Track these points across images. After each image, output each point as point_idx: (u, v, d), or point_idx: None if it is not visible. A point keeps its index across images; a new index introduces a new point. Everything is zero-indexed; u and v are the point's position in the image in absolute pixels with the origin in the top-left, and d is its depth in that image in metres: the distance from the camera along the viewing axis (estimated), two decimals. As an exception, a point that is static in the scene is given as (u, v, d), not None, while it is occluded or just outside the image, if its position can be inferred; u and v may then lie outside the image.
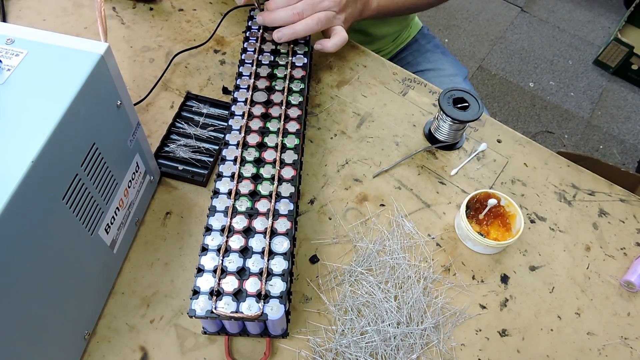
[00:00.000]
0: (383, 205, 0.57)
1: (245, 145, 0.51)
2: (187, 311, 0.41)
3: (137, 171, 0.50)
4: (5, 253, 0.31)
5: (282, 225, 0.46)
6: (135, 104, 0.61)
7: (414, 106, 0.67)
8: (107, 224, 0.45)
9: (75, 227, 0.39)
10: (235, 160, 0.50)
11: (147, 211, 0.55)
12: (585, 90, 1.94)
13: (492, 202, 0.54)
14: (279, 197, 0.48)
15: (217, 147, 0.58)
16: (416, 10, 0.77)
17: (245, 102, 0.55)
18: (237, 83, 0.56)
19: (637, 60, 1.88)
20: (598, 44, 2.09)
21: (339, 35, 0.61)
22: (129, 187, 0.48)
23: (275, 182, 0.48)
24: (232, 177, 0.49)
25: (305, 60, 0.59)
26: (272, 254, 0.44)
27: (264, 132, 0.52)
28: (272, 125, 0.53)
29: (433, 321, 0.49)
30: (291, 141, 0.51)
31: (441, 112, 0.58)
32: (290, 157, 0.50)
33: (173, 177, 0.57)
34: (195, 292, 0.42)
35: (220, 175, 0.49)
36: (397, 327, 0.48)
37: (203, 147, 0.58)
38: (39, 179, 0.33)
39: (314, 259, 0.53)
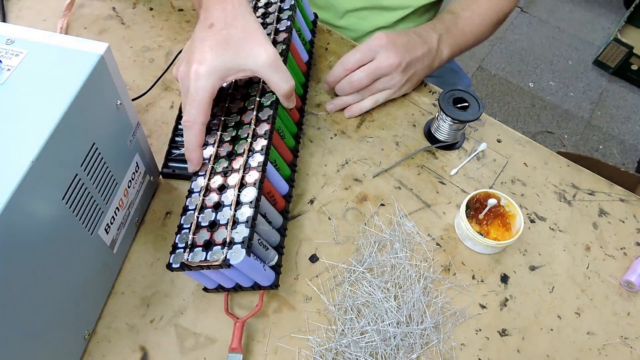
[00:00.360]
0: (383, 205, 0.57)
1: (228, 112, 0.52)
2: (165, 265, 0.43)
3: (137, 171, 0.50)
4: (5, 253, 0.31)
5: (252, 177, 0.47)
6: (133, 100, 0.61)
7: (414, 106, 0.67)
8: (107, 224, 0.45)
9: (75, 227, 0.39)
10: (218, 128, 0.51)
11: (147, 211, 0.55)
12: (585, 90, 1.94)
13: (492, 202, 0.54)
14: (252, 152, 0.48)
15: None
16: (483, 40, 0.75)
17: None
18: None
19: (637, 60, 1.88)
20: (598, 44, 2.09)
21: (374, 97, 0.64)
22: (128, 187, 0.48)
23: (249, 139, 0.49)
24: (213, 143, 0.50)
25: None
26: (239, 204, 0.45)
27: (245, 99, 0.53)
28: (252, 90, 0.53)
29: (433, 321, 0.49)
30: (268, 99, 0.52)
31: (441, 112, 0.58)
32: (265, 113, 0.51)
33: (186, 179, 0.57)
34: (174, 248, 0.44)
35: (206, 144, 0.50)
36: (397, 327, 0.48)
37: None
38: (39, 179, 0.33)
39: (313, 259, 0.53)
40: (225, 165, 0.48)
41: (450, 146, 0.63)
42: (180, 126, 0.59)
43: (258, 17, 0.59)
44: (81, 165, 0.38)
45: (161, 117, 0.62)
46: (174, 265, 0.43)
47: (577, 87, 1.94)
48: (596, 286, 0.54)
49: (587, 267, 0.55)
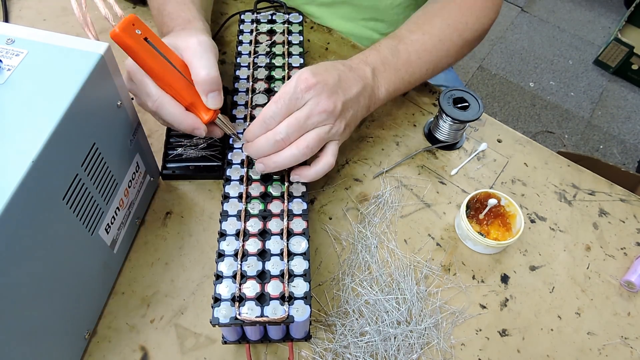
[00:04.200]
0: (383, 205, 0.57)
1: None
2: (210, 320, 0.40)
3: (137, 171, 0.50)
4: (6, 253, 0.31)
5: (298, 225, 0.45)
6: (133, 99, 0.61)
7: (414, 106, 0.67)
8: (108, 224, 0.45)
9: (75, 227, 0.39)
10: (242, 163, 0.50)
11: (148, 211, 0.55)
12: (586, 90, 1.94)
13: (492, 202, 0.54)
14: (291, 196, 0.47)
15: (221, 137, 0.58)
16: (446, 67, 0.62)
17: (245, 105, 0.55)
18: (235, 86, 0.56)
19: (638, 60, 1.88)
20: (598, 43, 2.09)
21: (323, 162, 0.49)
22: (129, 187, 0.48)
23: (286, 182, 0.48)
24: (240, 180, 0.48)
25: (302, 60, 0.59)
26: (290, 254, 0.43)
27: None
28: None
29: (433, 321, 0.49)
30: None
31: (441, 112, 0.58)
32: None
33: (187, 178, 0.57)
34: (217, 300, 0.41)
35: (228, 180, 0.49)
36: (397, 327, 0.48)
37: (208, 141, 0.57)
38: (39, 179, 0.33)
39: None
40: (261, 207, 0.46)
41: (450, 146, 0.63)
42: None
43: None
44: (81, 165, 0.38)
45: (161, 117, 0.62)
46: (222, 321, 0.39)
47: (577, 86, 1.94)
48: (596, 286, 0.54)
49: (588, 267, 0.55)
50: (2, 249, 0.31)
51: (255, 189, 0.48)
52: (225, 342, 0.46)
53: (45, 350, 0.39)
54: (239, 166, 0.50)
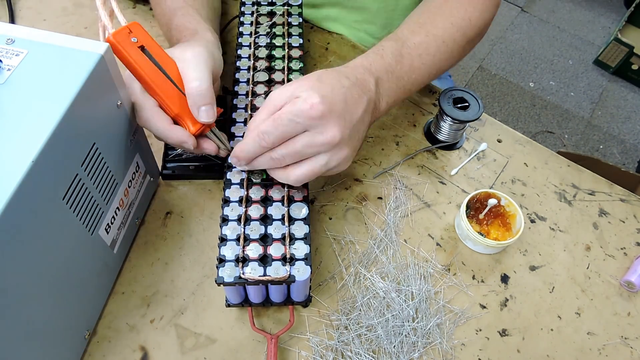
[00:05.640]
0: (383, 205, 0.57)
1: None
2: (214, 279, 0.41)
3: (137, 171, 0.50)
4: (6, 253, 0.31)
5: (299, 193, 0.47)
6: None
7: (414, 106, 0.67)
8: (107, 224, 0.45)
9: (75, 227, 0.39)
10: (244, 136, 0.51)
11: (147, 211, 0.55)
12: (586, 90, 1.94)
13: (492, 202, 0.54)
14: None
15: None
16: (446, 69, 0.60)
17: (247, 82, 0.55)
18: (237, 64, 0.57)
19: (637, 60, 1.88)
20: (598, 44, 2.09)
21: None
22: (129, 187, 0.48)
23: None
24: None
25: (301, 41, 0.60)
26: (292, 219, 0.45)
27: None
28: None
29: (433, 320, 0.49)
30: None
31: (441, 112, 0.58)
32: None
33: (187, 178, 0.57)
34: (221, 260, 0.42)
35: (229, 167, 0.49)
36: (397, 327, 0.48)
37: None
38: (39, 179, 0.33)
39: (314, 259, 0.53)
40: (264, 176, 0.48)
41: (450, 146, 0.63)
42: None
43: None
44: (81, 165, 0.38)
45: (161, 117, 0.62)
46: (226, 280, 0.41)
47: (577, 86, 1.94)
48: (596, 286, 0.54)
49: (588, 267, 0.55)
50: (2, 249, 0.31)
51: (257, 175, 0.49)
52: (228, 305, 0.48)
53: (45, 350, 0.39)
54: (241, 139, 0.50)
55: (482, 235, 0.53)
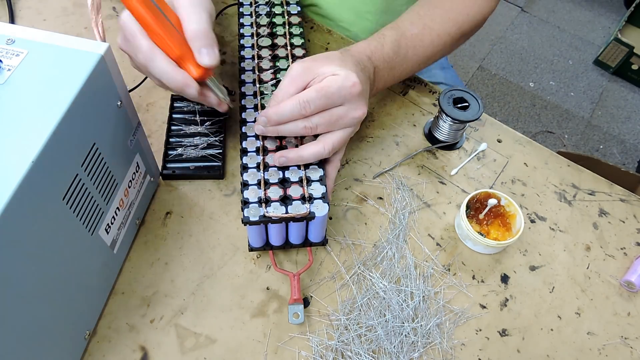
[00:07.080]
0: (383, 205, 0.57)
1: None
2: (241, 219, 0.44)
3: (137, 171, 0.50)
4: (6, 253, 0.31)
5: (310, 140, 0.49)
6: (130, 90, 0.61)
7: (414, 106, 0.67)
8: (108, 224, 0.45)
9: (75, 227, 0.39)
10: (255, 108, 0.52)
11: (147, 211, 0.55)
12: (586, 90, 1.94)
13: (492, 202, 0.54)
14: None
15: (221, 137, 0.58)
16: (436, 60, 0.63)
17: (252, 58, 0.56)
18: (241, 43, 0.58)
19: (638, 60, 1.88)
20: (598, 44, 2.09)
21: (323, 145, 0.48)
22: (129, 187, 0.48)
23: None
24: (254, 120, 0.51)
25: (301, 29, 0.60)
26: (307, 165, 0.48)
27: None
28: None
29: (433, 320, 0.49)
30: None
31: (441, 112, 0.58)
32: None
33: (187, 178, 0.57)
34: (246, 203, 0.45)
35: (244, 122, 0.51)
36: (397, 327, 0.48)
37: (207, 141, 0.57)
38: (39, 179, 0.33)
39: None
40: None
41: (450, 146, 0.63)
42: (173, 127, 0.59)
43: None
44: (81, 165, 0.38)
45: (162, 117, 0.62)
46: (252, 219, 0.44)
47: (577, 86, 1.94)
48: (596, 286, 0.54)
49: (588, 267, 0.55)
50: (2, 249, 0.31)
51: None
52: (251, 249, 0.51)
53: (45, 350, 0.39)
54: (252, 110, 0.52)
55: (482, 235, 0.53)
